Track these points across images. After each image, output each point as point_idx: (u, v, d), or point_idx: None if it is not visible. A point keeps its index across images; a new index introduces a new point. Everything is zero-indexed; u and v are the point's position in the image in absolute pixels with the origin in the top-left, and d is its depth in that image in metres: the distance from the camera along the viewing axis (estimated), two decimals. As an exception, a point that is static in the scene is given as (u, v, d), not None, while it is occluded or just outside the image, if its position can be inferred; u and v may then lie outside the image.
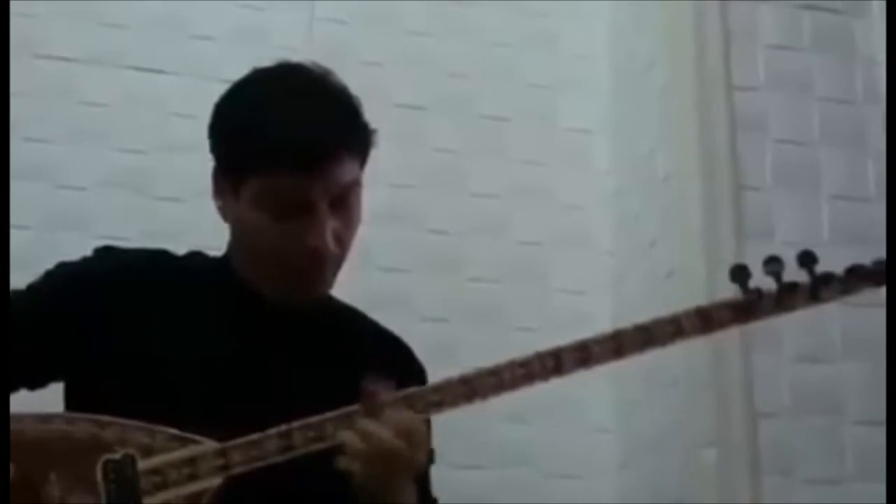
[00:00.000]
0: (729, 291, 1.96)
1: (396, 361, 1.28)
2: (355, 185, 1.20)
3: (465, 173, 2.50)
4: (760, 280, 1.20)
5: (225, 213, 1.23)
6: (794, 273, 1.20)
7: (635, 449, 2.30)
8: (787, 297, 1.19)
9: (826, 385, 1.99)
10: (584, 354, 1.16)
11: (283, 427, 1.10)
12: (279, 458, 1.09)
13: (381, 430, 1.09)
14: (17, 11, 2.32)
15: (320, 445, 1.10)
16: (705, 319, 1.19)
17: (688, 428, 2.09)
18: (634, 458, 2.30)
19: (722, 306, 1.20)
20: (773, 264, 1.18)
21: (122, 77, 2.38)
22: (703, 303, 2.01)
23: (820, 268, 1.21)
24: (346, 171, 1.18)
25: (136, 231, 2.20)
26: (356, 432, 1.09)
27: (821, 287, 1.19)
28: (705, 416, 2.01)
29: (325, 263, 1.19)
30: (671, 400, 2.15)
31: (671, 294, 2.19)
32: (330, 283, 1.23)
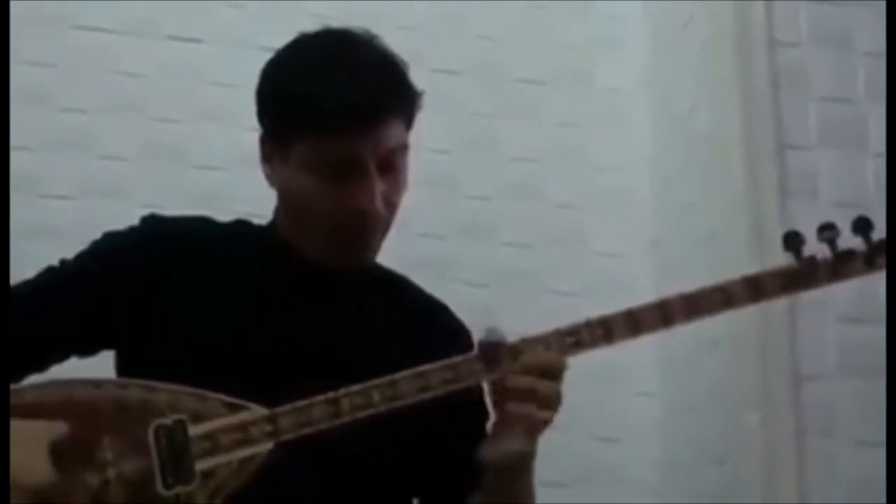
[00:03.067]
0: (772, 252, 1.93)
1: (442, 328, 1.28)
2: (403, 148, 1.20)
3: (501, 137, 2.49)
4: (812, 246, 1.17)
5: (272, 179, 1.23)
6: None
7: (678, 412, 2.29)
8: (842, 266, 1.16)
9: (871, 346, 1.96)
10: (632, 323, 1.15)
11: (331, 394, 1.11)
12: (327, 425, 1.10)
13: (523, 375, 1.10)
14: (53, -17, 2.34)
15: (367, 412, 1.11)
16: (756, 288, 1.17)
17: (731, 390, 2.08)
18: (677, 421, 2.29)
19: (774, 275, 1.17)
20: (827, 231, 1.16)
21: (159, 47, 2.38)
22: (745, 264, 1.99)
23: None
24: (395, 133, 1.18)
25: (175, 199, 2.20)
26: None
27: (877, 255, 1.16)
28: (749, 379, 1.99)
29: (374, 225, 1.19)
30: (714, 362, 2.13)
31: (713, 256, 2.17)
32: (378, 246, 1.23)
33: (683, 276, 2.33)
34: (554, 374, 1.12)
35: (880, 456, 1.88)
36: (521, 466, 1.17)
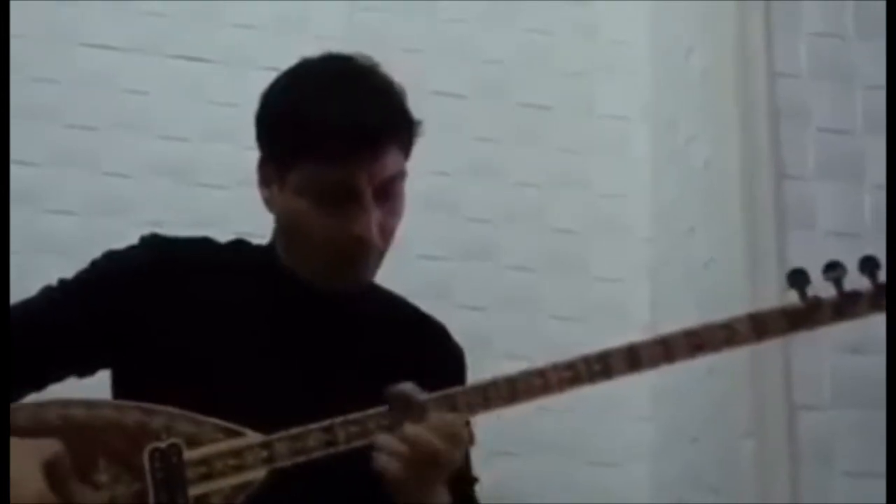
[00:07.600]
0: (768, 281, 1.94)
1: (438, 348, 1.29)
2: (400, 175, 1.21)
3: (503, 161, 2.50)
4: (817, 282, 1.17)
5: (271, 202, 1.24)
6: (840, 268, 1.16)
7: (673, 438, 2.29)
8: (847, 306, 1.17)
9: (866, 377, 1.97)
10: (632, 358, 1.15)
11: (327, 422, 1.11)
12: (322, 453, 1.10)
13: (424, 434, 1.09)
14: (61, 1, 2.36)
15: (362, 441, 1.11)
16: (760, 326, 1.17)
17: (726, 418, 2.08)
18: (672, 448, 2.29)
19: (778, 313, 1.17)
20: (833, 270, 1.16)
21: (164, 65, 2.40)
22: (741, 292, 2.00)
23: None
24: (392, 161, 1.19)
25: (178, 218, 2.23)
26: (397, 435, 1.10)
27: (882, 296, 1.16)
28: (744, 407, 1.99)
29: (369, 252, 1.20)
30: (709, 389, 2.14)
31: (710, 283, 2.18)
32: (374, 271, 1.24)
33: (680, 303, 2.35)
34: (453, 440, 1.11)
35: (875, 486, 1.88)
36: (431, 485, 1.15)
